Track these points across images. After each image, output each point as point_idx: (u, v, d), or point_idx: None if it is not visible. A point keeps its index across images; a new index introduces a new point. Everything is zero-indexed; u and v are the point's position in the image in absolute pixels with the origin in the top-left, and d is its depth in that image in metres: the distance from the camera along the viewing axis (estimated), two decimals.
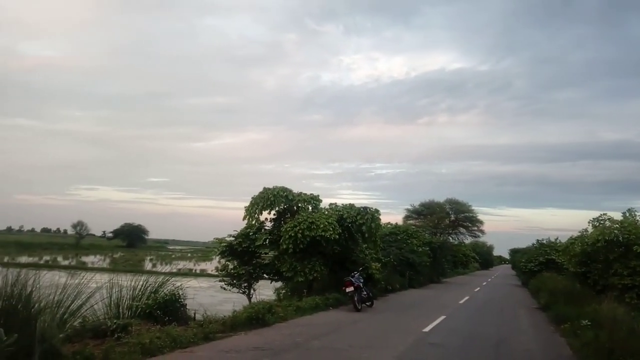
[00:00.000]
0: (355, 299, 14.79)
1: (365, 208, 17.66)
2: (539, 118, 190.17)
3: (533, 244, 36.00)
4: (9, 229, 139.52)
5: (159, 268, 41.39)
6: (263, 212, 16.94)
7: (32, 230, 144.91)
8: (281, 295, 17.30)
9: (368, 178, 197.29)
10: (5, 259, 35.46)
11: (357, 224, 17.04)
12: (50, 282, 7.36)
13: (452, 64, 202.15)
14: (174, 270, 37.81)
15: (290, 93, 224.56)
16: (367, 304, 15.65)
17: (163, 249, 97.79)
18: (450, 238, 46.26)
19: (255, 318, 10.41)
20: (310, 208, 17.34)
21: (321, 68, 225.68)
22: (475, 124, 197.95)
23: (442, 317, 14.39)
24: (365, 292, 15.56)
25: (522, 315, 17.52)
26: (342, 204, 18.25)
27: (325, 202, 18.09)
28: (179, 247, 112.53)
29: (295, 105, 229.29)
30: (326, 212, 16.97)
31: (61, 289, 7.61)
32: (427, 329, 11.92)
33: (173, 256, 66.64)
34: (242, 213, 16.84)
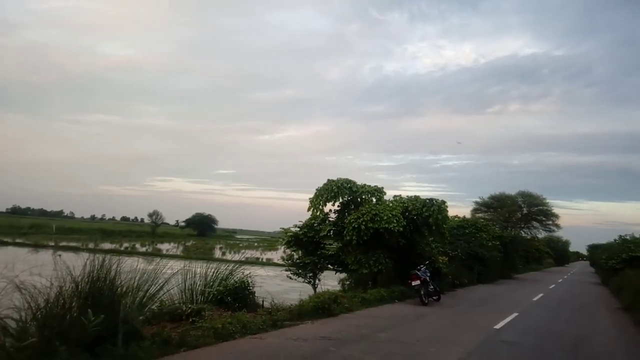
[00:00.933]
0: (422, 292, 14.50)
1: (431, 200, 17.22)
2: (621, 105, 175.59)
3: (615, 240, 33.47)
4: (93, 217, 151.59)
5: (228, 256, 42.92)
6: (327, 203, 17.01)
7: (113, 218, 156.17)
8: (346, 286, 17.36)
9: (433, 170, 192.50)
10: (91, 245, 38.52)
11: (422, 216, 16.68)
12: (130, 267, 7.85)
13: (525, 50, 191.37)
14: (242, 259, 39.03)
15: (354, 84, 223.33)
16: (434, 298, 15.31)
17: (231, 238, 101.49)
18: (523, 232, 43.92)
19: (321, 308, 10.52)
20: (374, 200, 17.20)
21: (385, 58, 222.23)
22: (549, 112, 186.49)
23: (515, 314, 13.76)
24: (432, 286, 15.23)
25: (602, 315, 16.36)
26: (407, 196, 17.92)
27: (389, 195, 17.86)
28: (246, 237, 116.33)
29: (359, 96, 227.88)
30: (390, 204, 16.74)
31: (140, 274, 8.13)
32: (498, 326, 11.45)
33: (241, 245, 68.94)
34: (307, 204, 17.04)
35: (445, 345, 8.65)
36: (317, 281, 17.00)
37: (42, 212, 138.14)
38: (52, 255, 7.71)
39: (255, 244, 74.89)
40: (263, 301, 10.98)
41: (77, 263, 6.92)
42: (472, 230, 27.53)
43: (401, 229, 15.64)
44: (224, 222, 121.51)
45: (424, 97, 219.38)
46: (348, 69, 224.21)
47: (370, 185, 17.38)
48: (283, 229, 18.37)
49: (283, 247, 22.82)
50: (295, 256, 17.81)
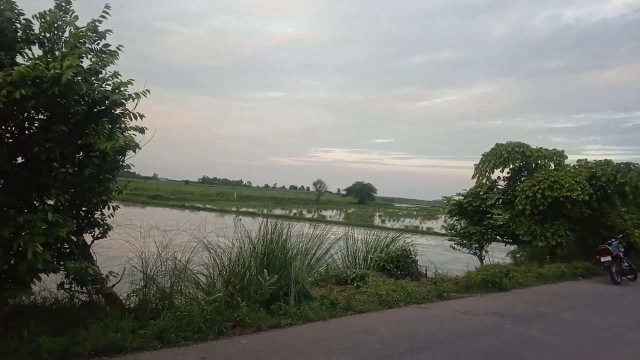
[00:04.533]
0: (614, 270, 12.47)
1: (628, 164, 14.55)
2: None
3: None
4: (266, 186, 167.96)
5: (387, 224, 43.40)
6: (495, 170, 15.70)
7: (283, 187, 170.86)
8: (517, 259, 15.95)
9: (624, 130, 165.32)
10: (265, 211, 42.64)
11: (616, 183, 14.21)
12: (298, 231, 8.26)
13: None
14: (401, 227, 39.09)
15: (523, 39, 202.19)
16: (629, 277, 13.06)
17: (390, 206, 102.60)
18: None
19: (491, 281, 9.73)
20: (552, 165, 15.26)
21: (563, 4, 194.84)
22: None
23: None
24: (626, 263, 13.00)
25: None
26: (595, 160, 15.45)
27: (569, 159, 15.63)
28: (405, 205, 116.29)
29: (529, 51, 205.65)
30: (572, 170, 14.66)
31: (307, 238, 8.51)
32: None
33: (399, 213, 69.15)
34: (466, 172, 16.18)
35: None
36: (483, 253, 15.97)
37: (226, 182, 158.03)
38: (233, 220, 8.49)
39: (414, 213, 74.32)
40: (426, 270, 10.65)
41: (253, 227, 7.51)
42: None
43: (586, 197, 13.58)
44: (382, 191, 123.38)
45: (613, 45, 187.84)
46: (515, 22, 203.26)
47: (547, 149, 15.45)
48: (445, 197, 17.58)
49: (444, 216, 21.93)
50: (459, 226, 16.93)
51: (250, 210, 45.80)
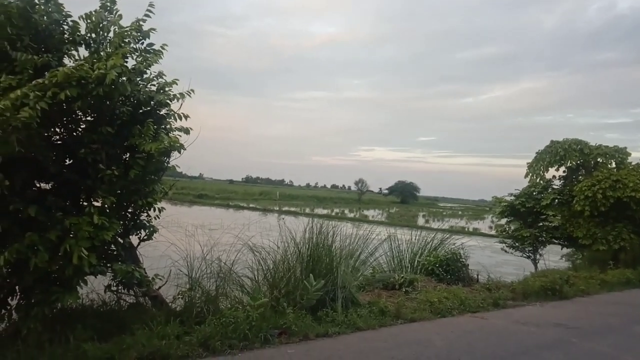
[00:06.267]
0: None
1: None
2: None
3: None
4: (308, 185, 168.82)
5: (432, 224, 42.41)
6: (550, 168, 14.83)
7: (324, 186, 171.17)
8: (575, 263, 14.99)
9: None
10: (307, 210, 42.67)
11: None
12: (341, 232, 7.95)
13: None
14: (446, 227, 38.06)
15: (574, 31, 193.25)
16: None
17: (434, 205, 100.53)
18: None
19: (550, 289, 9.08)
20: (613, 163, 14.23)
21: None
22: None
23: None
24: None
25: None
26: None
27: (632, 157, 14.52)
28: (449, 205, 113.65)
29: (581, 43, 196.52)
30: (638, 169, 13.62)
31: (351, 239, 8.19)
32: None
33: (444, 213, 67.55)
34: (514, 170, 15.42)
35: None
36: (537, 256, 15.10)
37: (268, 181, 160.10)
38: (277, 219, 8.32)
39: (460, 213, 72.41)
40: (478, 275, 10.13)
41: (296, 227, 7.29)
42: None
43: None
44: (425, 190, 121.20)
45: None
46: (566, 14, 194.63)
47: (607, 146, 14.42)
48: (495, 198, 16.78)
49: (492, 216, 21.05)
50: (511, 227, 16.11)
51: (293, 209, 46.06)
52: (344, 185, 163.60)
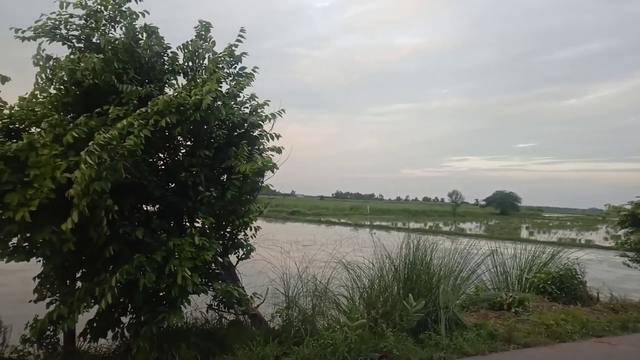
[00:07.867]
0: None
1: None
2: None
3: None
4: (398, 199, 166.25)
5: (537, 236, 39.30)
6: None
7: (415, 199, 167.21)
8: None
9: None
10: (399, 224, 41.81)
11: None
12: (437, 247, 7.48)
13: None
14: (553, 240, 35.00)
15: None
16: None
17: (538, 216, 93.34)
18: None
19: None
20: None
21: None
22: None
23: None
24: None
25: None
26: None
27: None
28: (555, 215, 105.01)
29: None
30: None
31: (450, 255, 7.68)
32: None
33: (550, 224, 62.37)
34: (631, 175, 13.53)
35: None
36: None
37: (358, 196, 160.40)
38: (368, 234, 8.13)
39: (568, 223, 66.46)
40: (598, 293, 9.04)
41: (389, 241, 7.02)
42: None
43: None
44: (526, 200, 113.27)
45: None
46: None
47: None
48: (612, 206, 15.06)
49: (608, 227, 18.92)
50: (631, 238, 14.31)
51: (384, 223, 45.34)
52: (436, 198, 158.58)
